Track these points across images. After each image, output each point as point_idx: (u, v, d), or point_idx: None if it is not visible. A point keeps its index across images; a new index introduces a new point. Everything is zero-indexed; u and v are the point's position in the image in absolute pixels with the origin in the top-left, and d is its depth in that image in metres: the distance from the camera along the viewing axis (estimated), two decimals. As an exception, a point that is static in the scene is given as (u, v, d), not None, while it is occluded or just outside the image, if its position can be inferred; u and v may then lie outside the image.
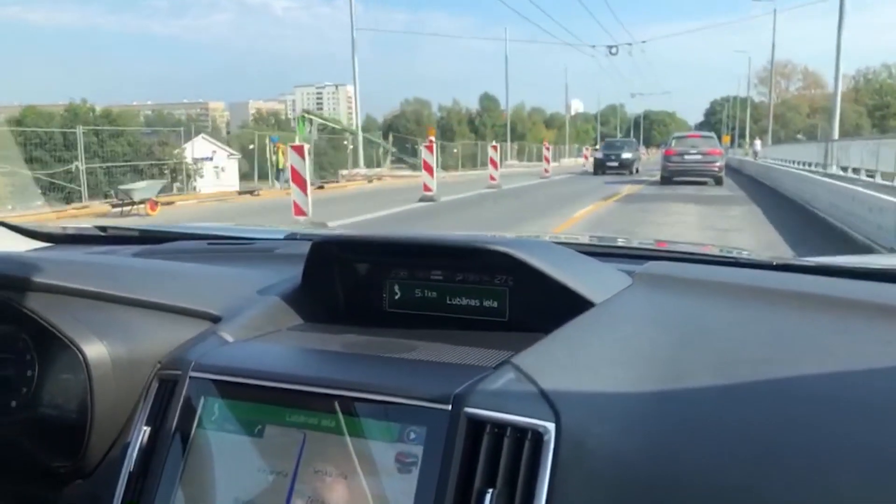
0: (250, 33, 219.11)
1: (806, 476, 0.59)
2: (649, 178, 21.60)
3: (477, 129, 65.83)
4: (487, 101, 76.85)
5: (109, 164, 17.58)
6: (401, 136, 36.51)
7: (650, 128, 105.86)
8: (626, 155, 25.78)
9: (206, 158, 26.02)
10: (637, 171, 25.54)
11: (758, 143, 37.51)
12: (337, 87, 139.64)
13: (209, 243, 1.34)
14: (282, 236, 1.43)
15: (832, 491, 0.58)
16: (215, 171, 25.82)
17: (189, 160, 21.62)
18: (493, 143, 21.27)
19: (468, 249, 0.89)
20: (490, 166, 18.25)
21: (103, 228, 1.52)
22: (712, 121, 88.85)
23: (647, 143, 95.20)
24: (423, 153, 14.67)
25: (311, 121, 24.94)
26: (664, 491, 0.61)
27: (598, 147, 32.70)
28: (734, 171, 26.93)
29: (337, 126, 28.47)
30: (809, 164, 21.81)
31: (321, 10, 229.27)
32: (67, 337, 0.81)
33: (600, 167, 25.80)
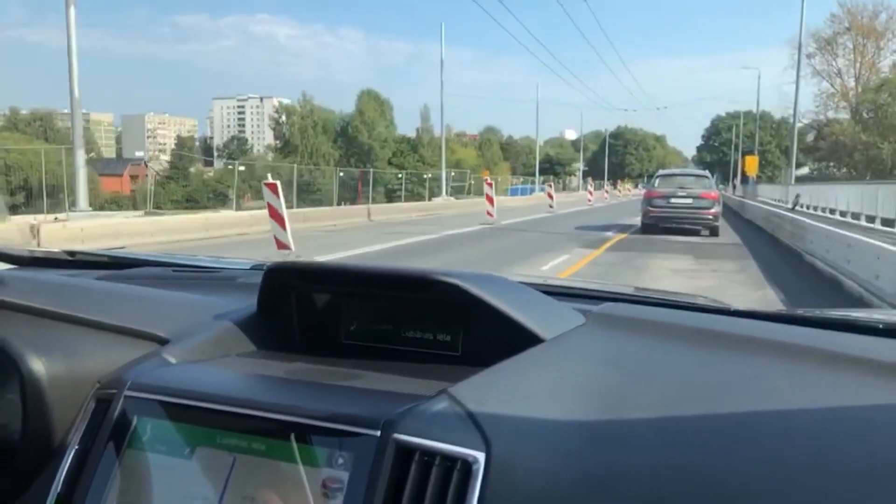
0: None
1: None
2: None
3: (350, 142, 44.58)
4: (370, 102, 51.33)
5: None
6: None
7: (624, 150, 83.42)
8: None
9: None
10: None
11: None
12: (262, 99, 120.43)
13: (175, 270, 1.36)
14: (248, 266, 1.44)
15: None
16: None
17: None
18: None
19: (420, 280, 0.88)
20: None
21: (72, 253, 1.53)
22: (717, 142, 69.34)
23: (616, 176, 74.82)
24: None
25: None
26: None
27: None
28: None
29: None
30: None
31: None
32: (5, 353, 0.81)
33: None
